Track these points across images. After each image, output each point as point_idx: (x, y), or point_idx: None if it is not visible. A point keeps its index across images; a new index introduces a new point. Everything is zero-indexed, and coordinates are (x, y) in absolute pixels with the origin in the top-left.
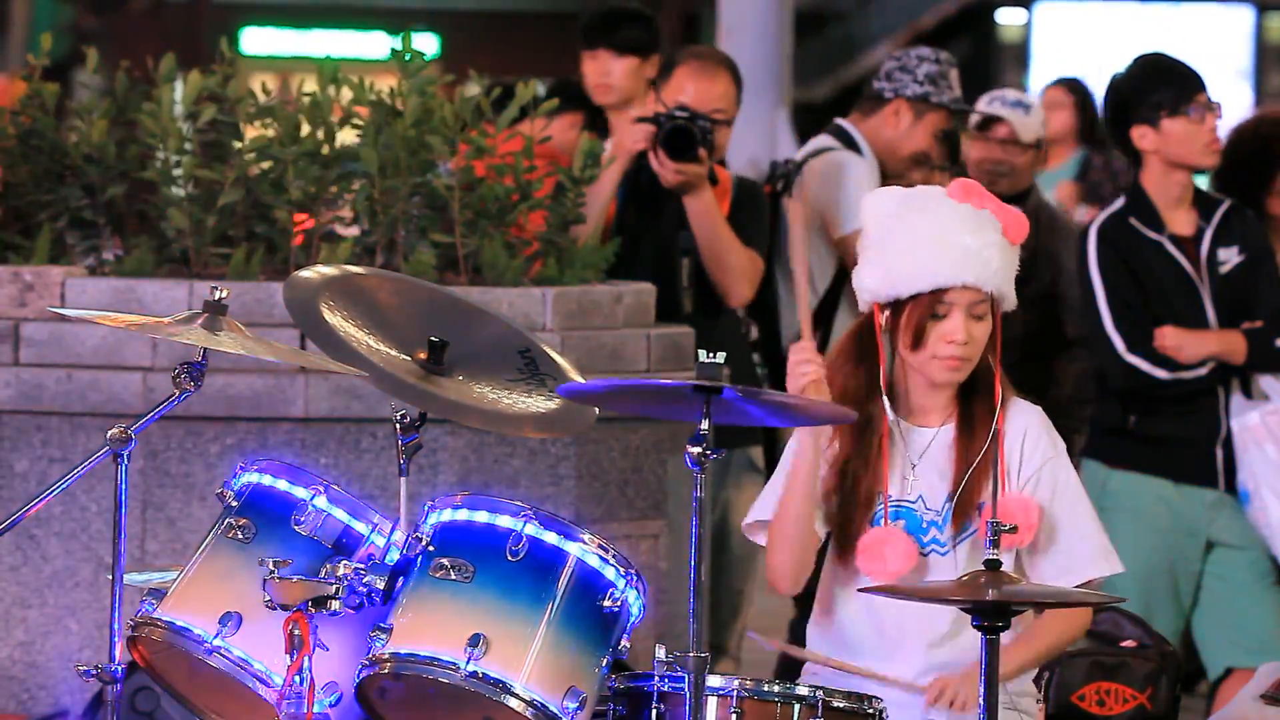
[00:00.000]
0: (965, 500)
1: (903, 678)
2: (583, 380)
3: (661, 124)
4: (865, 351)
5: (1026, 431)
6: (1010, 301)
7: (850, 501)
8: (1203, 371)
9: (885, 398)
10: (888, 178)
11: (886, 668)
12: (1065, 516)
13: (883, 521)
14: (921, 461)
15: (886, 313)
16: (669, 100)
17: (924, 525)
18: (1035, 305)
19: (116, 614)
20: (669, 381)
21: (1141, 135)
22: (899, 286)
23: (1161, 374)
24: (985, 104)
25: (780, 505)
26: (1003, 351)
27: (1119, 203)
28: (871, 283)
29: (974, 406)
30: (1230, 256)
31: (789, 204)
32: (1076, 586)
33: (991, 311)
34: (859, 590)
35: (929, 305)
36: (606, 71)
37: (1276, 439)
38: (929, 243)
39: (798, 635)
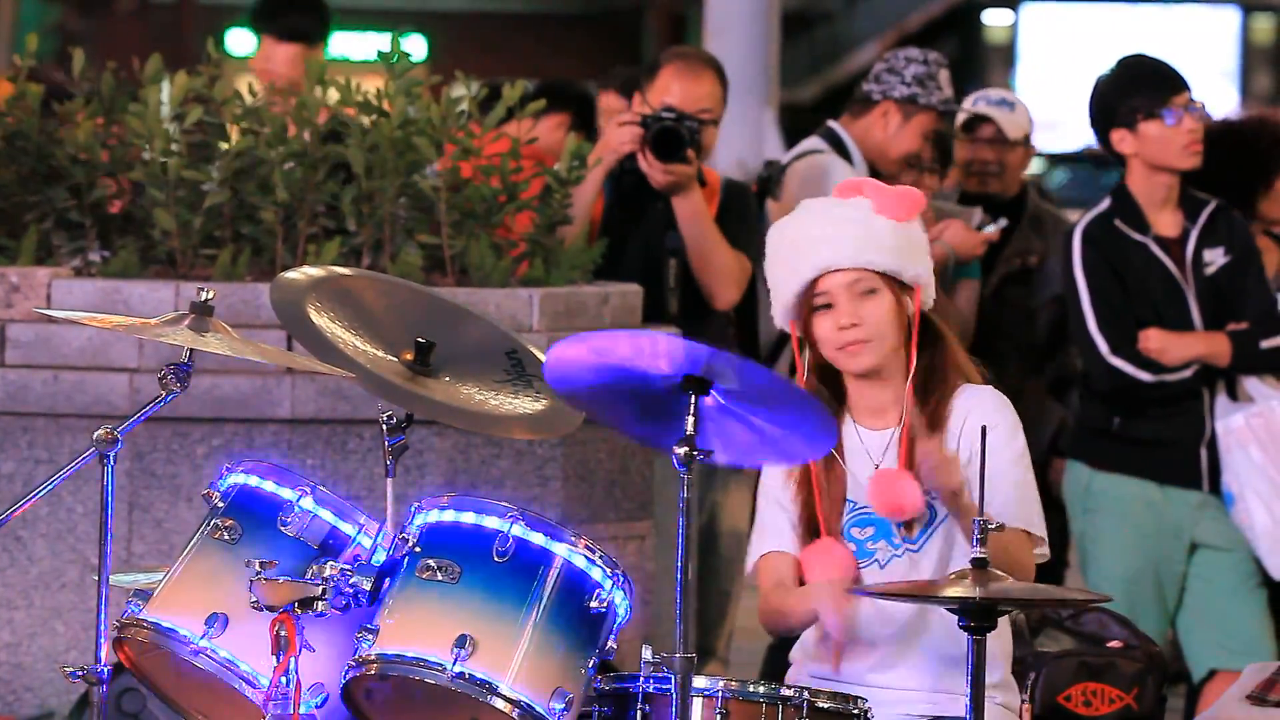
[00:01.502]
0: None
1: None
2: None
3: (649, 126)
4: (819, 373)
5: (970, 412)
6: (915, 274)
7: (815, 515)
8: (1186, 374)
9: None
10: (877, 178)
11: (857, 660)
12: (997, 476)
13: (823, 531)
14: (883, 464)
15: (799, 328)
16: (655, 102)
17: (892, 527)
18: (1052, 307)
19: (103, 615)
20: (650, 342)
21: (1121, 139)
22: (785, 297)
23: (1145, 376)
24: (969, 105)
25: (781, 603)
26: (1022, 352)
27: (1105, 204)
28: (776, 308)
29: (924, 401)
30: (1216, 258)
31: (771, 206)
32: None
33: (893, 291)
34: (848, 591)
35: (806, 301)
36: (268, 57)
37: (1261, 441)
38: (791, 246)
39: (782, 638)
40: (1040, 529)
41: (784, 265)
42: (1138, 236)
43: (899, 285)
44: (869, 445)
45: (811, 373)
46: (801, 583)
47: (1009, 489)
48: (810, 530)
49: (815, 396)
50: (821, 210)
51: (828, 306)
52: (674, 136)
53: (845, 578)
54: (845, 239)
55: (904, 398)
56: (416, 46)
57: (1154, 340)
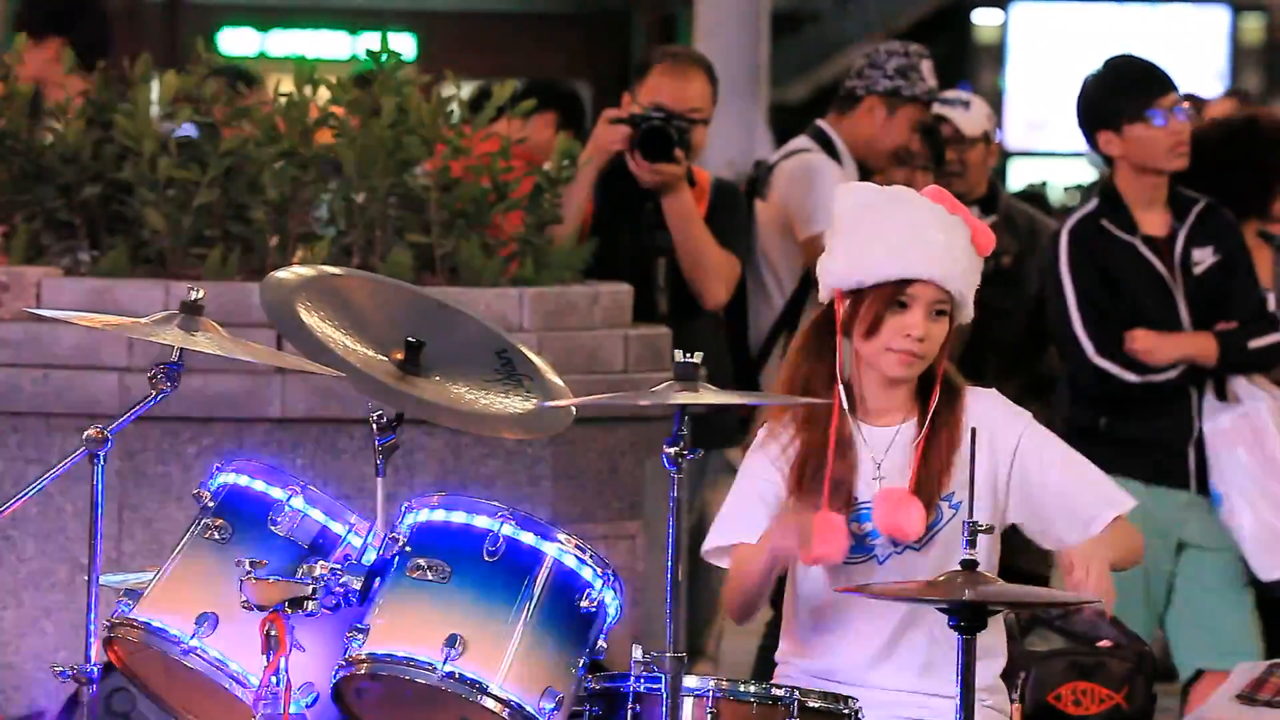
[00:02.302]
0: (927, 496)
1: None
2: (559, 382)
3: (638, 125)
4: (824, 344)
5: (988, 415)
6: (968, 312)
7: (818, 497)
8: (1172, 375)
9: (841, 387)
10: (868, 176)
11: (850, 656)
12: (1060, 475)
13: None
14: (885, 461)
15: (847, 302)
16: (645, 101)
17: None
18: (1028, 308)
19: (93, 615)
20: (646, 395)
21: (1107, 141)
22: (864, 273)
23: (1130, 377)
24: None
25: (745, 563)
26: (998, 354)
27: (1092, 204)
28: (837, 268)
29: (932, 401)
30: (1205, 257)
31: (759, 206)
32: (1102, 531)
33: (950, 317)
34: (837, 591)
35: (891, 295)
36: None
37: (1248, 442)
38: (900, 232)
39: (774, 637)
40: (1125, 497)
41: (882, 247)
42: (1125, 237)
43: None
44: (872, 441)
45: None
46: (779, 585)
47: (1086, 478)
48: (807, 507)
49: (794, 401)
50: (938, 215)
51: (902, 307)
52: (662, 136)
53: (834, 562)
54: (956, 259)
55: (909, 399)
56: (405, 45)
57: (1141, 341)
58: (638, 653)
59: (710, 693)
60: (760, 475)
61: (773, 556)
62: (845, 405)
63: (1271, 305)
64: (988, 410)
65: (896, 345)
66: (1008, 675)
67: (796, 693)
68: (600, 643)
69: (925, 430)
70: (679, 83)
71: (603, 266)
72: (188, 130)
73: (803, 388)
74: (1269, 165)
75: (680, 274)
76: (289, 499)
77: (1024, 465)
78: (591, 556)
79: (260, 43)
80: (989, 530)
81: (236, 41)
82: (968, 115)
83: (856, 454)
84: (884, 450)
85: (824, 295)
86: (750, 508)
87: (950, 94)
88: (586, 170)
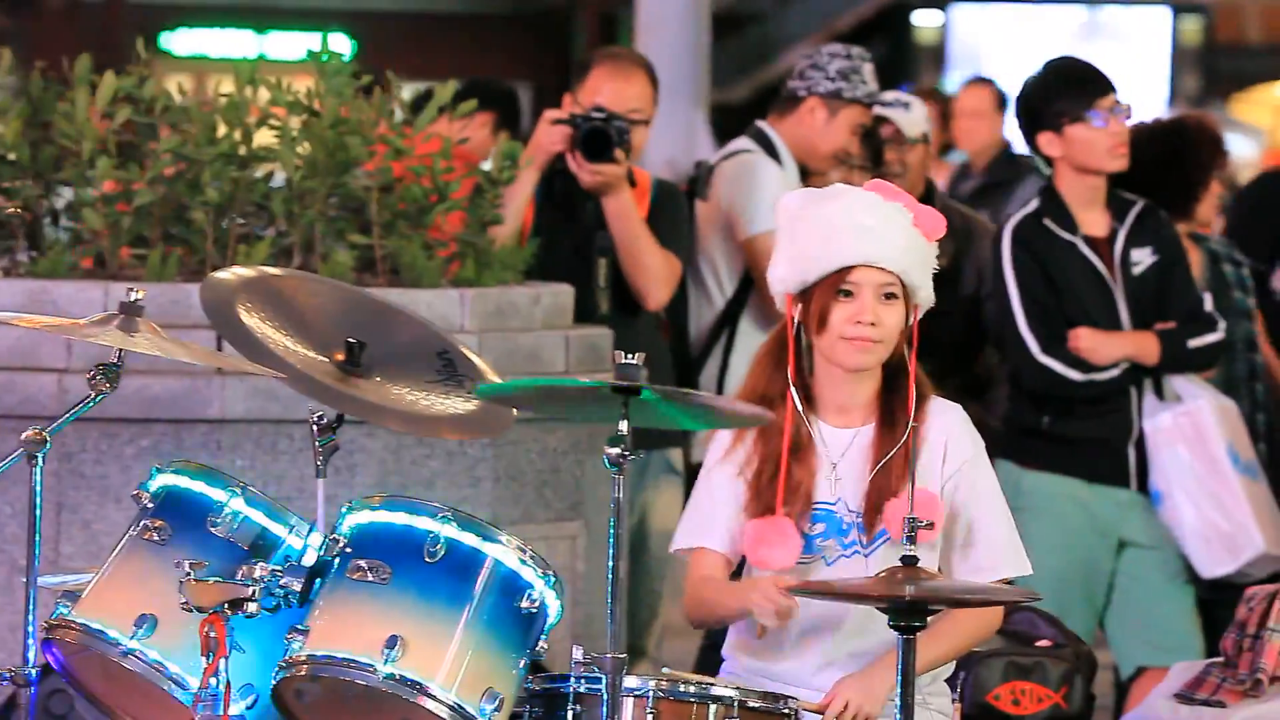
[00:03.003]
0: (877, 501)
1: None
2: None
3: (578, 125)
4: (783, 352)
5: (948, 430)
6: (927, 295)
7: (773, 499)
8: (1115, 373)
9: (794, 389)
10: (809, 177)
11: (797, 659)
12: (980, 517)
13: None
14: (842, 462)
15: (799, 305)
16: (585, 102)
17: (844, 527)
18: (964, 308)
19: (31, 616)
20: (587, 381)
21: (1048, 142)
22: (806, 272)
23: (1074, 375)
24: None
25: (718, 594)
26: (934, 354)
27: (1034, 204)
28: (781, 273)
29: (894, 406)
30: (1143, 257)
31: (699, 206)
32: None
33: (905, 301)
34: (778, 588)
35: (834, 285)
36: None
37: (1188, 440)
38: (832, 224)
39: (715, 636)
40: (1025, 563)
41: (818, 242)
42: (1066, 236)
43: (908, 299)
44: (831, 443)
45: (795, 357)
46: (735, 574)
47: (999, 530)
48: (763, 512)
49: (744, 402)
50: (870, 202)
51: (848, 295)
52: (602, 137)
53: (784, 568)
54: (892, 239)
55: (872, 400)
56: (343, 46)
57: (1083, 339)
58: (578, 653)
59: (651, 692)
60: (726, 475)
61: (744, 613)
62: (802, 405)
63: (1208, 305)
64: (949, 423)
65: (849, 333)
66: (948, 676)
67: (737, 692)
68: (541, 643)
69: (879, 435)
70: (619, 83)
71: (543, 267)
72: None
73: (760, 397)
74: (1195, 169)
75: (621, 274)
76: (229, 500)
77: (956, 487)
78: (532, 557)
79: (199, 43)
80: (929, 526)
81: (178, 41)
82: (908, 116)
83: (814, 457)
84: (842, 452)
85: (779, 304)
86: (712, 513)
87: (890, 95)
88: (527, 171)
